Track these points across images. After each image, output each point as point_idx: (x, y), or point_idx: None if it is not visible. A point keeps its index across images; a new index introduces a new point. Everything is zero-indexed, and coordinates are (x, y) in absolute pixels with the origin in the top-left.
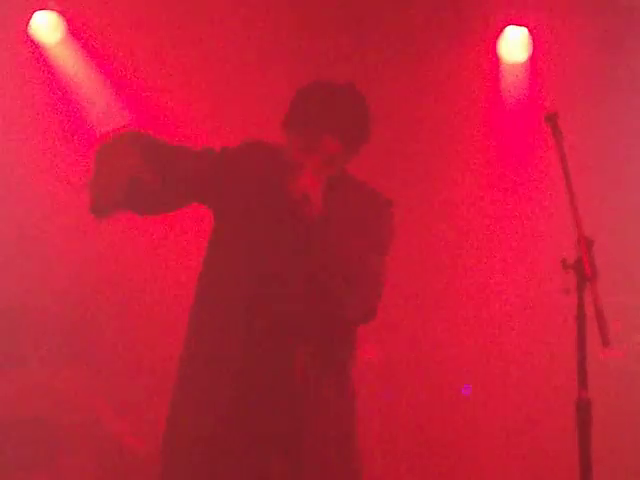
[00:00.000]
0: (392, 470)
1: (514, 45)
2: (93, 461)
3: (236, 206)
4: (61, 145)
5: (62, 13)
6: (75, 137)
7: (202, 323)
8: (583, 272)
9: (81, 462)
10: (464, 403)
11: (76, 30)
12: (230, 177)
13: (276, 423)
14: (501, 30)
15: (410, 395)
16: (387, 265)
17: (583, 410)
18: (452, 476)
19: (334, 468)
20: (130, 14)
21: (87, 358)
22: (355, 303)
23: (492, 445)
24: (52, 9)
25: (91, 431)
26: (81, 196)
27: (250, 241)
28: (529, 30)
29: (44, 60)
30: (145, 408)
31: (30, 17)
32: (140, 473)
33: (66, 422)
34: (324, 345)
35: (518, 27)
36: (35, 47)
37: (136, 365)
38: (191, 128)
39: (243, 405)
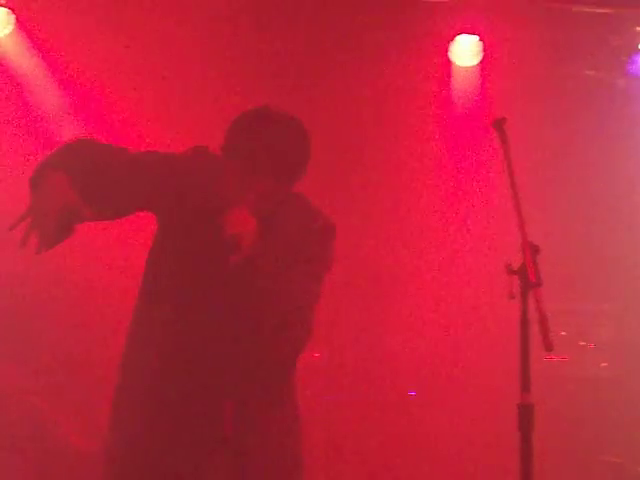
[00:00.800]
0: (336, 471)
1: (465, 51)
2: (35, 460)
3: (176, 217)
4: (11, 141)
5: (12, 8)
6: (25, 132)
7: (137, 334)
8: (527, 278)
9: (22, 461)
10: (409, 405)
11: (26, 25)
12: (173, 184)
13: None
14: (453, 38)
15: (355, 396)
16: (320, 292)
17: (525, 414)
18: (396, 477)
19: None
20: (80, 11)
21: (30, 356)
22: (284, 343)
23: (436, 447)
24: (2, 5)
25: (34, 430)
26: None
27: (184, 260)
28: (480, 38)
29: None
30: (88, 408)
31: None
32: (83, 473)
33: (8, 420)
34: (258, 387)
35: (469, 35)
36: None
37: (80, 365)
38: (139, 126)
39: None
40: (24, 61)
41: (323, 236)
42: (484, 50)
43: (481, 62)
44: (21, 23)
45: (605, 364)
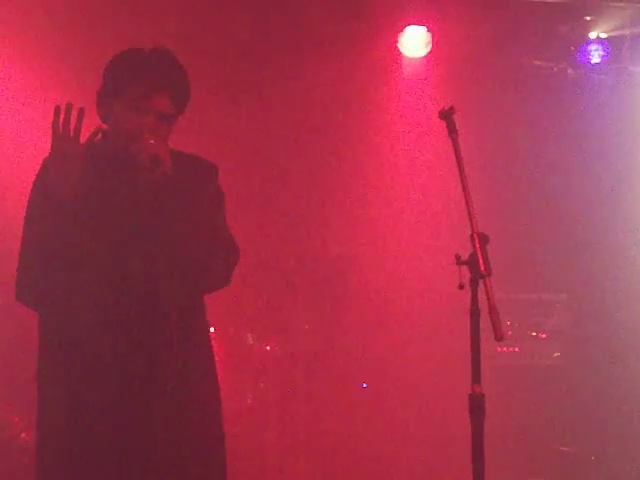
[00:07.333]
0: (290, 461)
1: (414, 42)
2: None
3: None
4: None
5: None
6: None
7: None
8: (477, 268)
9: None
10: (362, 397)
11: None
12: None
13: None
14: (402, 29)
15: (307, 388)
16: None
17: (476, 404)
18: (352, 466)
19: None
20: None
21: None
22: (215, 267)
23: (389, 437)
24: None
25: None
26: None
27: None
28: (428, 29)
29: None
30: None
31: None
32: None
33: None
34: (186, 314)
35: (418, 26)
36: None
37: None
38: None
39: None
40: None
41: (214, 174)
42: (433, 41)
43: (430, 53)
44: None
45: (558, 354)
